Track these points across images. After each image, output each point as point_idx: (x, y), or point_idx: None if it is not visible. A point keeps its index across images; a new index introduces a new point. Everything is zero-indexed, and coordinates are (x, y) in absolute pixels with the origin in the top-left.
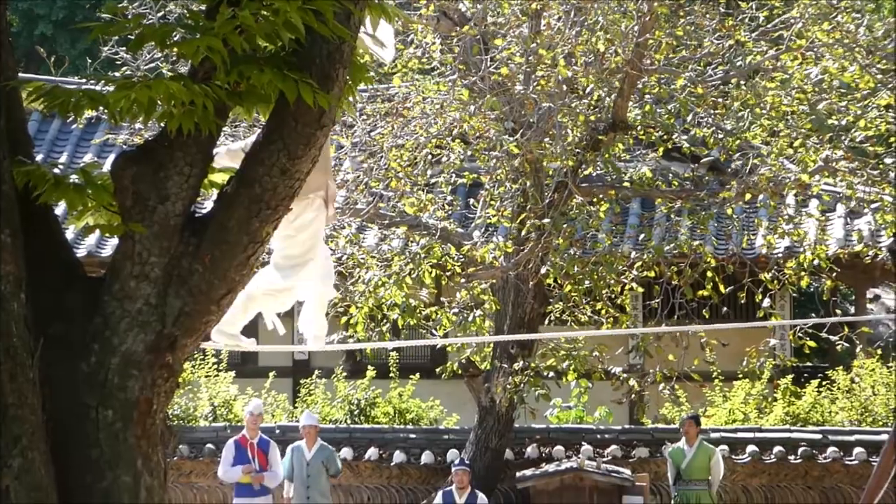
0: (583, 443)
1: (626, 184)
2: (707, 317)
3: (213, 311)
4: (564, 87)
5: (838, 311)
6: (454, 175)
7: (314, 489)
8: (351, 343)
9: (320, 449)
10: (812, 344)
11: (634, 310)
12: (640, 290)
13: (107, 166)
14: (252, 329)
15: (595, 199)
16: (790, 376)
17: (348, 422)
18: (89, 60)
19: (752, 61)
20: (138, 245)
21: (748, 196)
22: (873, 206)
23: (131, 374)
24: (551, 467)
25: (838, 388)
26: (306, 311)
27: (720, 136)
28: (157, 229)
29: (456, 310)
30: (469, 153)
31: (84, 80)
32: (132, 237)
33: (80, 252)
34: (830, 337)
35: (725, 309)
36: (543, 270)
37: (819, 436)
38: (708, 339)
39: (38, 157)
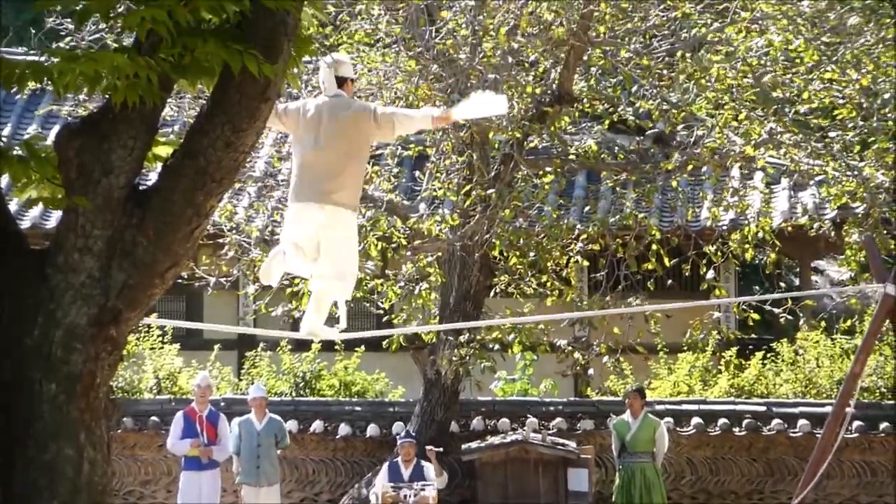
0: (528, 415)
1: (572, 156)
2: (652, 289)
3: (157, 284)
4: (510, 59)
5: (782, 284)
6: (399, 147)
7: (265, 460)
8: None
9: (270, 421)
10: (756, 316)
11: (579, 282)
12: (586, 262)
13: (51, 138)
14: (198, 309)
15: (540, 172)
16: (734, 348)
17: (293, 394)
18: (34, 31)
19: (698, 33)
20: (82, 218)
21: (691, 167)
22: (817, 178)
23: (75, 347)
24: (497, 440)
25: (782, 361)
26: (309, 304)
27: (665, 108)
28: (101, 202)
29: (402, 283)
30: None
31: (28, 52)
32: (76, 210)
33: (25, 224)
34: (774, 309)
35: (670, 281)
36: (491, 240)
37: (763, 408)
38: (652, 312)
39: None
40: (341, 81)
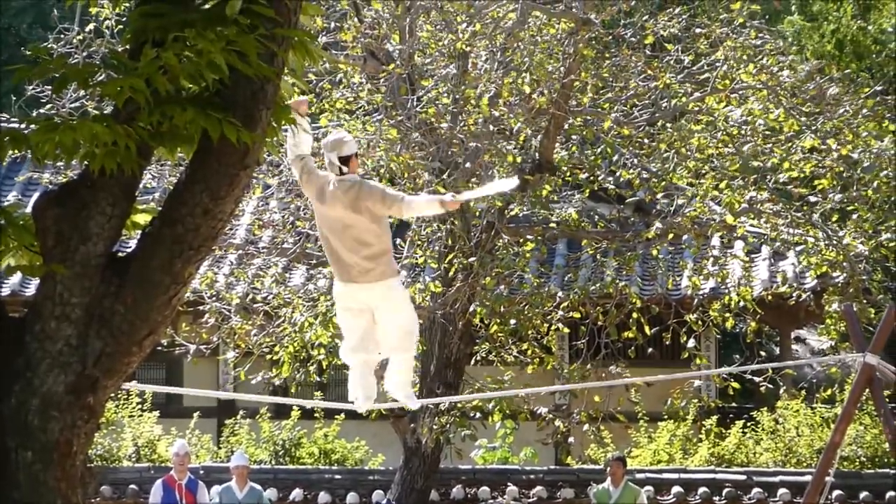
0: (508, 484)
1: (553, 224)
2: (632, 357)
3: (135, 352)
4: (491, 128)
5: (763, 353)
6: None
7: None
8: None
9: (251, 490)
10: (736, 385)
11: (560, 350)
12: (566, 330)
13: (30, 205)
14: (178, 377)
15: (521, 240)
16: (715, 417)
17: (273, 462)
18: (14, 98)
19: (678, 103)
20: (60, 286)
21: (672, 236)
22: (797, 247)
23: (52, 415)
24: None
25: (763, 429)
26: (390, 372)
27: (646, 177)
28: (79, 270)
29: None
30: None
31: (9, 119)
32: (54, 278)
33: (4, 291)
34: (755, 378)
35: (651, 349)
36: (472, 309)
37: (744, 477)
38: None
39: None
40: (345, 160)
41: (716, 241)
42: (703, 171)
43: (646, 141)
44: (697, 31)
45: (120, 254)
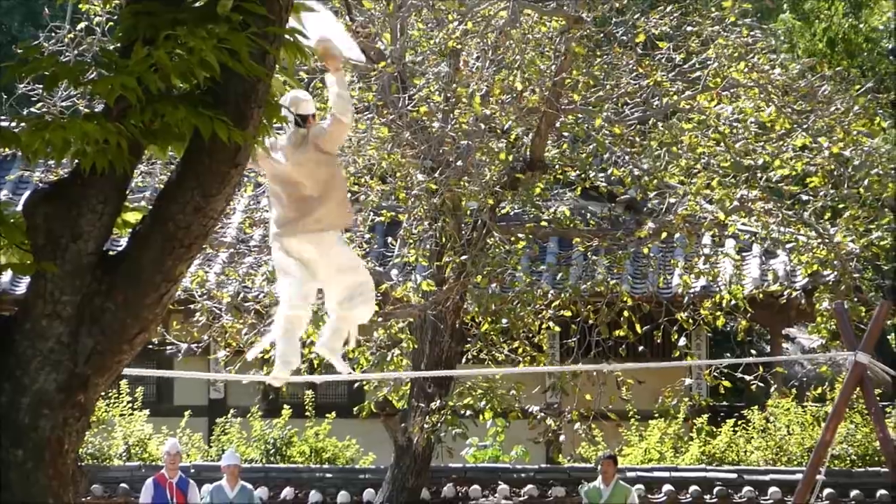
0: (499, 482)
1: (545, 223)
2: (623, 356)
3: (126, 350)
4: (483, 126)
5: (754, 351)
6: (372, 213)
7: None
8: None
9: (242, 489)
10: (727, 384)
11: (551, 349)
12: (557, 329)
13: (21, 204)
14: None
15: (513, 238)
16: (706, 415)
17: (264, 461)
18: (5, 96)
19: (669, 101)
20: (50, 284)
21: (664, 235)
22: (788, 246)
23: (43, 413)
24: None
25: (753, 428)
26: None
27: (637, 175)
28: (70, 268)
29: (373, 349)
30: (388, 191)
31: None
32: (44, 276)
33: None
34: (745, 377)
35: (642, 348)
36: (464, 306)
37: (734, 475)
38: (624, 378)
39: None
40: (304, 119)
41: (707, 239)
42: (695, 170)
43: (637, 139)
44: (689, 29)
45: (111, 252)
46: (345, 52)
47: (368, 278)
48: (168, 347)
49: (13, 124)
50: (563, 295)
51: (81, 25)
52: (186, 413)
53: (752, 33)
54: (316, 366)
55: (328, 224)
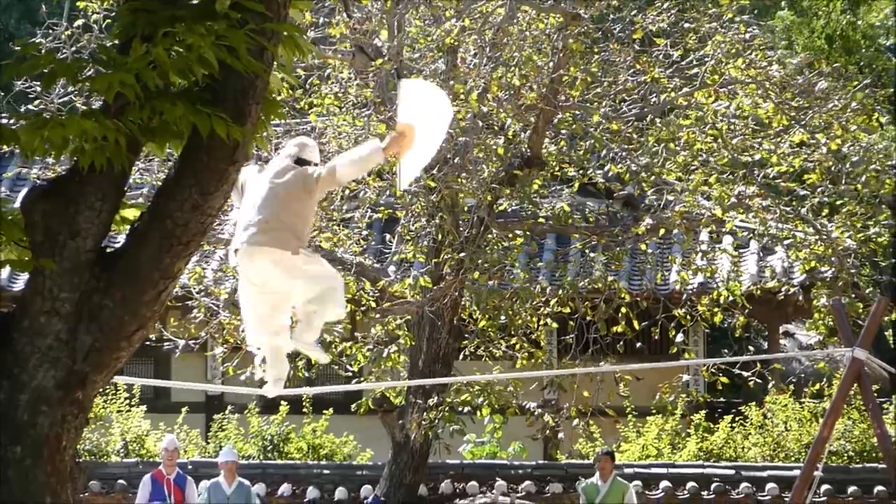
0: (497, 478)
1: (542, 219)
2: (621, 352)
3: (124, 347)
4: (480, 123)
5: (751, 347)
6: (370, 210)
7: None
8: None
9: (240, 486)
10: (725, 380)
11: (549, 345)
12: (555, 325)
13: (19, 201)
14: (166, 371)
15: (511, 235)
16: (703, 412)
17: (261, 457)
18: (2, 94)
19: (667, 98)
20: (48, 281)
21: (662, 231)
22: (786, 242)
23: (41, 410)
24: (465, 503)
25: (751, 424)
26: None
27: (635, 170)
28: (68, 265)
29: (371, 345)
30: (385, 188)
31: None
32: (42, 273)
33: None
34: (743, 373)
35: (639, 344)
36: (462, 303)
37: (732, 471)
38: (622, 375)
39: None
40: (302, 162)
41: (704, 235)
42: (693, 167)
43: (635, 136)
44: (686, 25)
45: (109, 249)
46: (422, 141)
47: (341, 286)
48: (166, 344)
49: (12, 121)
50: (560, 291)
51: (79, 22)
52: (184, 409)
53: (749, 30)
54: (312, 363)
55: (271, 241)
